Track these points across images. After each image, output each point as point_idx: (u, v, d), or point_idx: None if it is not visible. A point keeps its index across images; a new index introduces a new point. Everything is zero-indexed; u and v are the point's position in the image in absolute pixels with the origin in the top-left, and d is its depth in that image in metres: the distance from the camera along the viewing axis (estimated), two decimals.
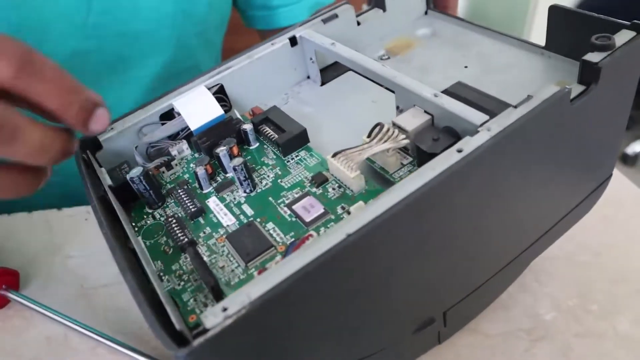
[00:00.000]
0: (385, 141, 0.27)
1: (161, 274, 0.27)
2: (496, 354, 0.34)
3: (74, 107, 0.26)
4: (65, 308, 0.38)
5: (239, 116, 0.34)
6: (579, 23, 0.31)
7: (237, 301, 0.20)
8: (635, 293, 0.37)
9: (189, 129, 0.33)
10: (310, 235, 0.25)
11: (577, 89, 0.27)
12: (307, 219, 0.27)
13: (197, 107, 0.33)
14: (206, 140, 0.32)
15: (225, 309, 0.20)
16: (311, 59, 0.37)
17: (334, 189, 0.28)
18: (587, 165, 0.32)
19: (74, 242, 0.45)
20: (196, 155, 0.33)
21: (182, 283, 0.26)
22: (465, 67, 0.35)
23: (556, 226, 0.32)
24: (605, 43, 0.27)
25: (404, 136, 0.27)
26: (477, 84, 0.33)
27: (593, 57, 0.27)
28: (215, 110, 0.33)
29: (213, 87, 0.35)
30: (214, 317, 0.20)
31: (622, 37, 0.28)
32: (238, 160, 0.29)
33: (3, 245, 0.45)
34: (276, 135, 0.32)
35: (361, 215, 0.22)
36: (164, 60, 0.52)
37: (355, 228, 0.22)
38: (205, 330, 0.20)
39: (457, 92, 0.33)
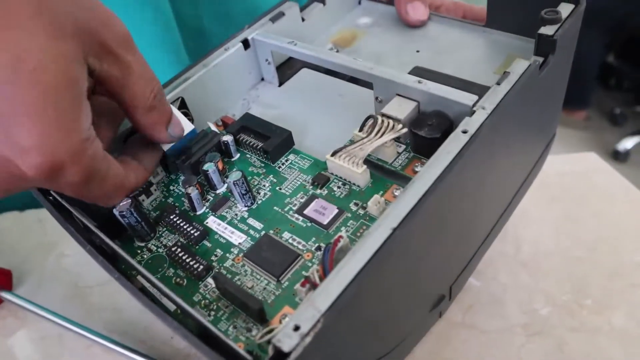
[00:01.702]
0: (383, 133, 0.28)
1: None
2: (492, 349, 0.34)
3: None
4: (59, 307, 0.38)
5: (214, 129, 0.32)
6: (516, 0, 0.34)
7: (307, 317, 0.20)
8: (629, 287, 0.37)
9: None
10: (341, 236, 0.25)
11: (539, 60, 0.30)
12: (325, 222, 0.27)
13: None
14: (186, 159, 0.30)
15: (297, 328, 0.20)
16: (267, 60, 0.36)
17: (338, 187, 0.28)
18: (543, 125, 0.35)
19: (67, 241, 0.41)
20: (172, 176, 0.31)
21: (212, 313, 0.24)
22: (417, 51, 0.37)
23: (525, 182, 0.35)
24: (554, 17, 0.30)
25: (401, 125, 0.28)
26: (434, 66, 0.35)
27: (547, 30, 0.30)
28: (185, 127, 0.31)
29: (174, 101, 0.32)
30: (290, 339, 0.19)
31: (565, 9, 0.31)
32: (237, 174, 0.27)
33: None
34: (260, 143, 0.31)
35: (399, 207, 0.22)
36: None
37: (398, 221, 0.22)
38: (284, 355, 0.19)
39: (421, 76, 0.34)
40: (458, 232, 0.29)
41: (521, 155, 0.33)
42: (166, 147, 0.30)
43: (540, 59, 0.30)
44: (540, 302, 0.37)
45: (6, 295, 0.38)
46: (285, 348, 0.19)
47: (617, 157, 1.64)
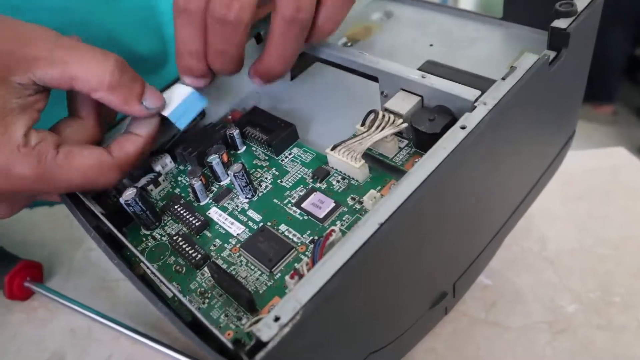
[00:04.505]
0: (384, 127, 0.28)
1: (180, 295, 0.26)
2: (518, 346, 0.34)
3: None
4: (87, 300, 0.39)
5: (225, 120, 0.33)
6: None
7: (287, 308, 0.20)
8: None
9: (169, 141, 0.32)
10: (333, 230, 0.25)
11: (549, 54, 0.29)
12: (320, 215, 0.27)
13: (172, 95, 0.30)
14: (192, 150, 0.31)
15: (277, 319, 0.20)
16: None
17: (338, 181, 0.28)
18: (559, 122, 0.34)
19: None
20: (181, 167, 0.32)
21: (207, 301, 0.25)
22: (431, 45, 0.36)
23: (541, 179, 0.34)
24: (568, 9, 0.29)
25: (401, 120, 0.28)
26: (447, 60, 0.34)
27: (560, 23, 0.29)
28: (198, 100, 0.30)
29: None
30: (269, 329, 0.20)
31: (581, 2, 0.30)
32: (237, 167, 0.28)
33: (26, 239, 0.46)
34: (265, 136, 0.31)
35: (388, 203, 0.22)
36: None
37: (386, 217, 0.22)
38: (263, 344, 0.19)
39: (431, 71, 0.34)
40: (459, 229, 0.28)
41: (533, 153, 0.33)
42: (168, 111, 0.29)
43: (552, 53, 0.29)
44: (566, 299, 0.37)
45: (37, 287, 0.40)
46: (264, 337, 0.19)
47: None
